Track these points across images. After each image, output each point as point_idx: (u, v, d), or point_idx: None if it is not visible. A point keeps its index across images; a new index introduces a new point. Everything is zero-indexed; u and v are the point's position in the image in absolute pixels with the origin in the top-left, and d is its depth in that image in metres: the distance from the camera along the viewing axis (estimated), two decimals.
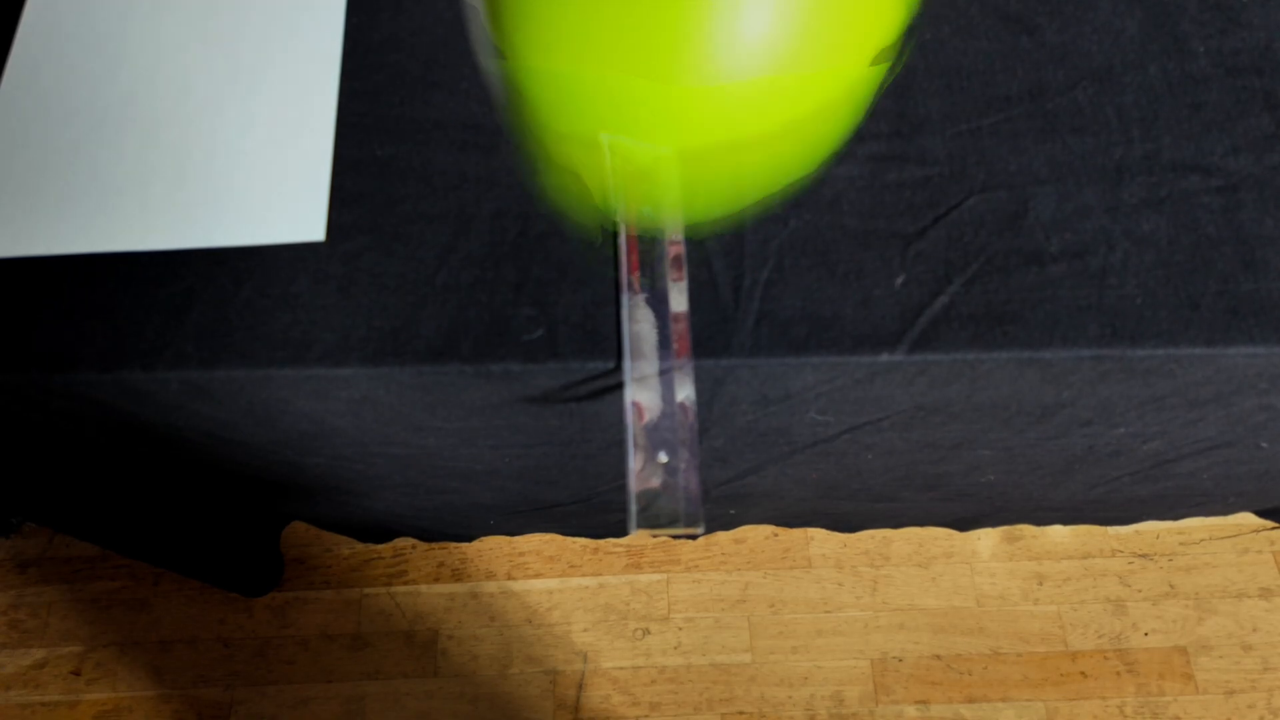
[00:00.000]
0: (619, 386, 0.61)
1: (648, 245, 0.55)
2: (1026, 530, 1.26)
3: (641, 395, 0.52)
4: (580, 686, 1.18)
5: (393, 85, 0.67)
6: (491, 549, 1.26)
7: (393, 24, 0.69)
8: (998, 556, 1.25)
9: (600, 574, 1.24)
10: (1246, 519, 1.25)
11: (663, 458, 0.51)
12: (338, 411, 0.64)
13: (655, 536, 0.53)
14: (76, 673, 1.19)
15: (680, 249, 0.56)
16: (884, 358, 0.58)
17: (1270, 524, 1.25)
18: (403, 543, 1.26)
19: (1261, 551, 1.25)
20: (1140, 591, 1.23)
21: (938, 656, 1.19)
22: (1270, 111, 0.64)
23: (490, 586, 1.24)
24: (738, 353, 0.58)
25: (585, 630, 1.21)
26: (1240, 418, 0.66)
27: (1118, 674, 1.18)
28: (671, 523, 0.51)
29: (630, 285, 0.55)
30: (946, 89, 0.65)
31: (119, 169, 0.64)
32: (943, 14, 0.68)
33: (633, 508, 0.51)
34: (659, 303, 0.55)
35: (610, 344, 0.59)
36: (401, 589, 1.24)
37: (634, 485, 0.51)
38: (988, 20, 0.67)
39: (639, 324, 0.54)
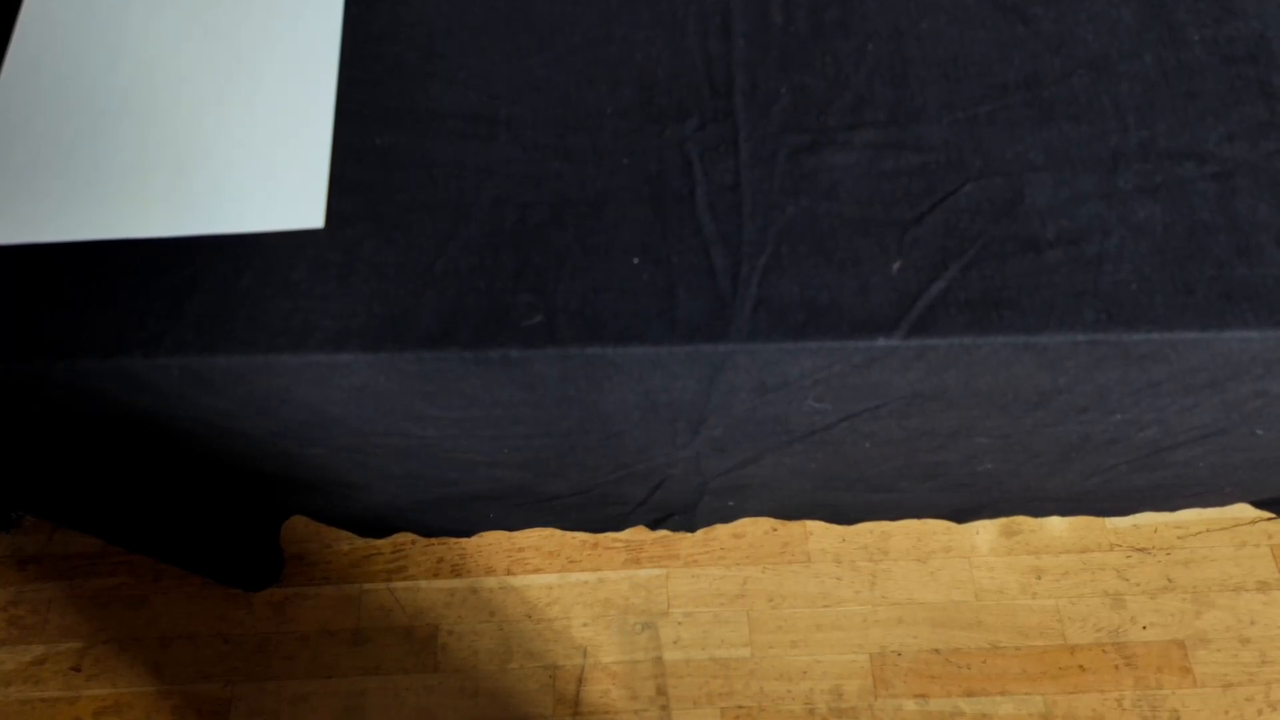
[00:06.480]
0: (618, 378, 0.62)
1: None
2: (1025, 524, 1.27)
3: None
4: (580, 681, 1.18)
5: (392, 75, 0.67)
6: (491, 544, 1.26)
7: (391, 14, 0.69)
8: (996, 551, 1.25)
9: (599, 569, 1.24)
10: (1244, 511, 1.26)
11: None
12: (337, 400, 0.65)
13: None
14: (76, 669, 1.19)
15: None
16: (881, 343, 0.58)
17: (1267, 515, 1.25)
18: (402, 538, 1.26)
19: (1259, 545, 1.25)
20: (1138, 585, 1.23)
21: (936, 650, 1.19)
22: (1265, 99, 0.65)
23: (490, 582, 1.24)
24: (735, 338, 0.59)
25: (585, 625, 1.21)
26: (1235, 404, 0.66)
27: (1116, 668, 1.18)
28: None
29: None
30: (943, 77, 0.66)
31: (120, 157, 0.64)
32: (939, 3, 0.68)
33: None
34: None
35: (608, 330, 0.59)
36: (401, 584, 1.24)
37: None
38: (984, 9, 0.68)
39: None
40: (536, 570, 1.25)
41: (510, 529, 1.08)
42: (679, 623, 1.21)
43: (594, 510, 0.97)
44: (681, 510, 0.99)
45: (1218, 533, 1.26)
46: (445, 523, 1.03)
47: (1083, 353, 0.60)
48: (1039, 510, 1.00)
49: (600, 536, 1.26)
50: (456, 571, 1.25)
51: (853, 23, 0.68)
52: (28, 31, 0.69)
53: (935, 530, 1.26)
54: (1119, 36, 0.67)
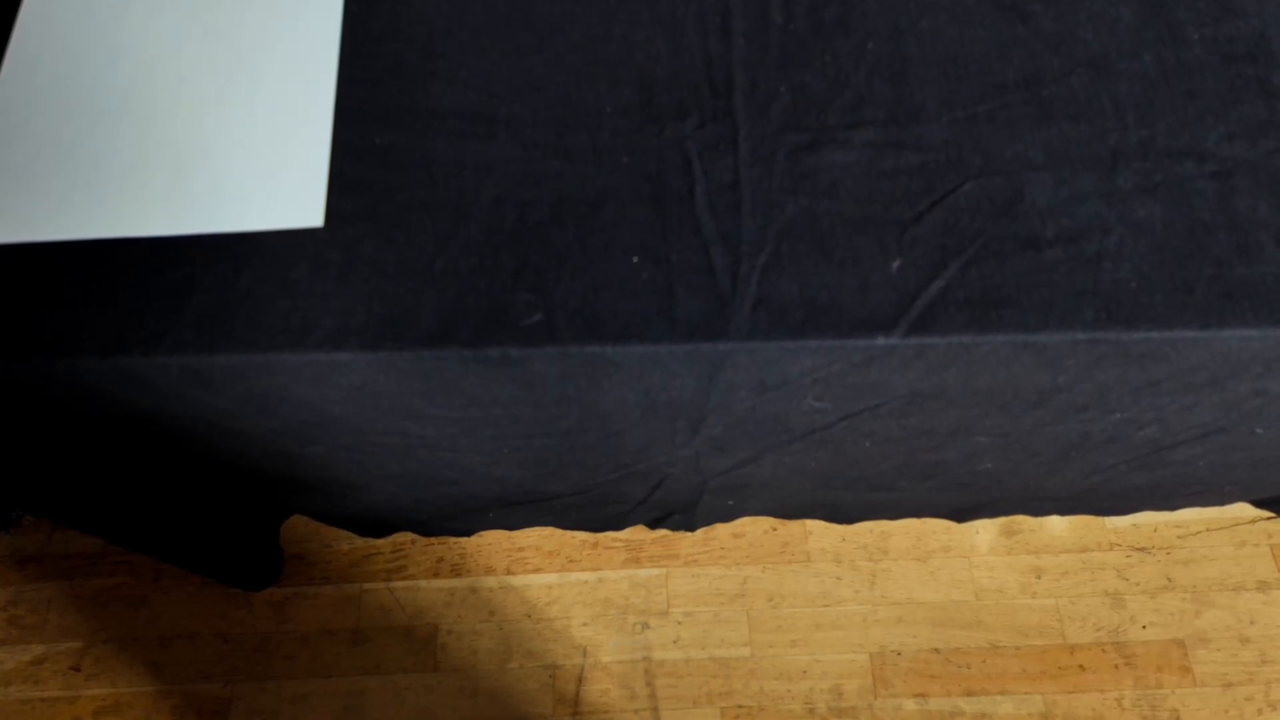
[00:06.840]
0: (617, 377, 0.62)
1: None
2: (1024, 523, 1.27)
3: None
4: (579, 681, 1.18)
5: (392, 74, 0.67)
6: (490, 544, 1.27)
7: (391, 14, 0.69)
8: (996, 550, 1.25)
9: (599, 569, 1.24)
10: (1243, 510, 1.26)
11: None
12: (337, 399, 0.65)
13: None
14: (76, 668, 1.19)
15: None
16: (880, 341, 0.58)
17: (1267, 514, 1.25)
18: (402, 538, 1.26)
19: (1259, 545, 1.25)
20: (1138, 585, 1.23)
21: (936, 650, 1.19)
22: (1264, 98, 0.65)
23: (490, 581, 1.24)
24: (735, 337, 0.59)
25: (584, 625, 1.21)
26: (1235, 403, 0.66)
27: (1116, 667, 1.18)
28: None
29: None
30: (943, 76, 0.66)
31: (120, 156, 0.64)
32: (939, 2, 0.68)
33: None
34: None
35: (607, 329, 0.59)
36: (401, 584, 1.24)
37: None
38: (983, 8, 0.68)
39: None
40: (536, 570, 1.25)
41: (510, 528, 1.08)
42: (679, 622, 1.21)
43: (594, 509, 0.97)
44: (681, 509, 0.99)
45: (1218, 532, 1.26)
46: (445, 522, 1.03)
47: (1082, 351, 0.60)
48: (1039, 509, 1.00)
49: (600, 536, 1.26)
50: (456, 571, 1.25)
51: (852, 21, 0.68)
52: (28, 31, 0.69)
53: (935, 530, 1.26)
54: (1118, 36, 0.67)
